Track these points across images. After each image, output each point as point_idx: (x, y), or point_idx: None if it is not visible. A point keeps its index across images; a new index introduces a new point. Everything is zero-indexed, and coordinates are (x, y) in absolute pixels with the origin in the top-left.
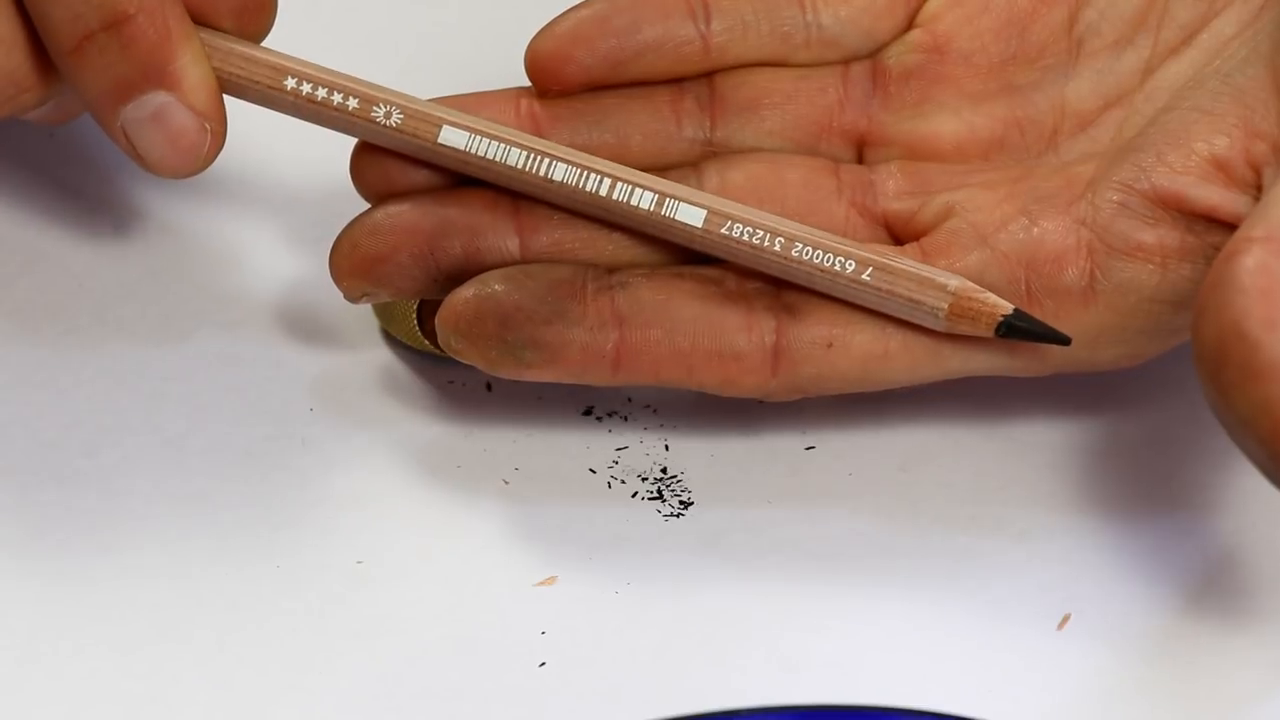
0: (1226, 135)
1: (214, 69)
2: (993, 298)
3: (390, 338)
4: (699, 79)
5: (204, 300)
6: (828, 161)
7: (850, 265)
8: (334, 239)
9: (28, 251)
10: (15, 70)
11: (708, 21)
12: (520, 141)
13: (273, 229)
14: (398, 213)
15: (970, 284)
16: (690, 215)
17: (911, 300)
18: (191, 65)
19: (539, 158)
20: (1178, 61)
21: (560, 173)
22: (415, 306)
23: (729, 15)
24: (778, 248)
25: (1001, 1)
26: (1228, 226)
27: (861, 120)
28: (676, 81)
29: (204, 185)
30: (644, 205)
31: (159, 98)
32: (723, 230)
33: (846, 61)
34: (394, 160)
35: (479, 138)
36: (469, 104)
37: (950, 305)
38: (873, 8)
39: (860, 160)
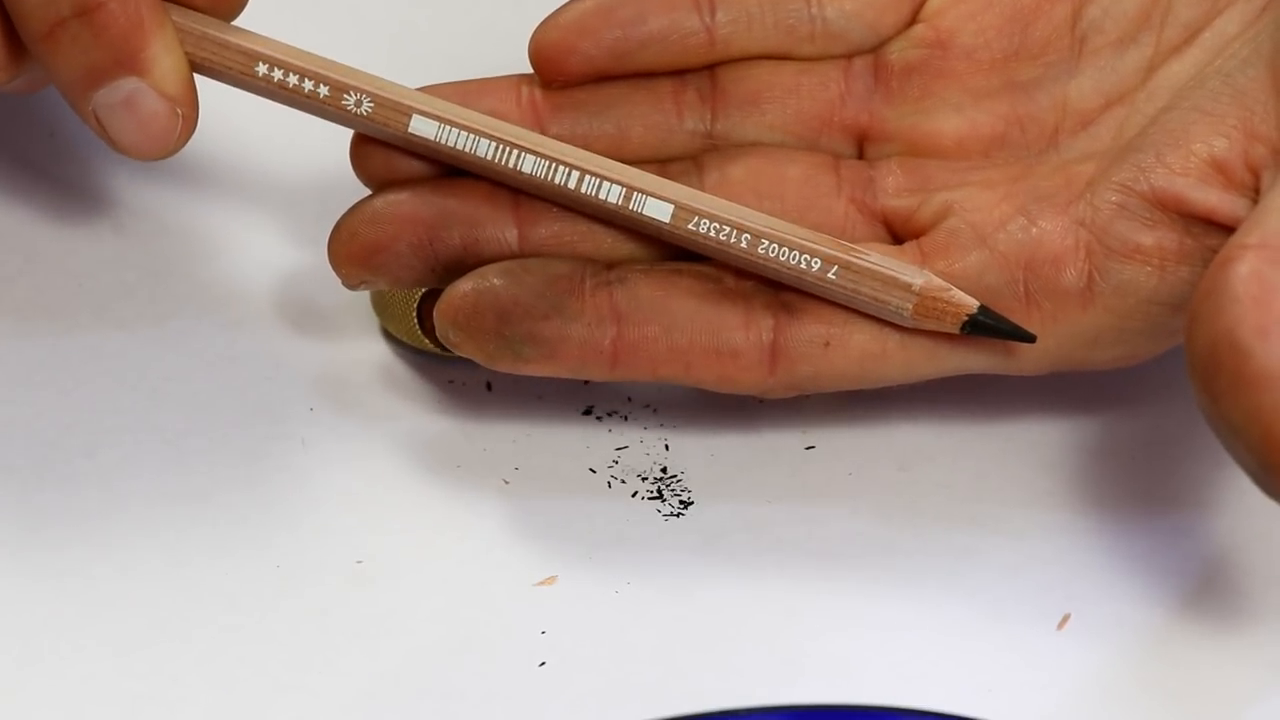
0: (1226, 137)
1: (186, 54)
2: (958, 295)
3: (390, 336)
4: (701, 71)
5: (204, 300)
6: (828, 157)
7: (815, 264)
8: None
9: (28, 251)
10: None
11: (713, 13)
12: (490, 132)
13: (273, 228)
14: (397, 201)
15: (936, 281)
16: (657, 210)
17: (877, 299)
18: (163, 52)
19: (508, 149)
20: (1180, 60)
21: (529, 164)
22: (415, 305)
23: (734, 7)
24: (744, 244)
25: None
26: (1226, 229)
27: (863, 115)
28: (679, 74)
29: (204, 183)
30: (611, 199)
31: (130, 84)
32: (690, 225)
33: (849, 56)
34: (395, 148)
35: (448, 128)
36: (470, 91)
37: (915, 305)
38: (877, 2)
39: (861, 155)
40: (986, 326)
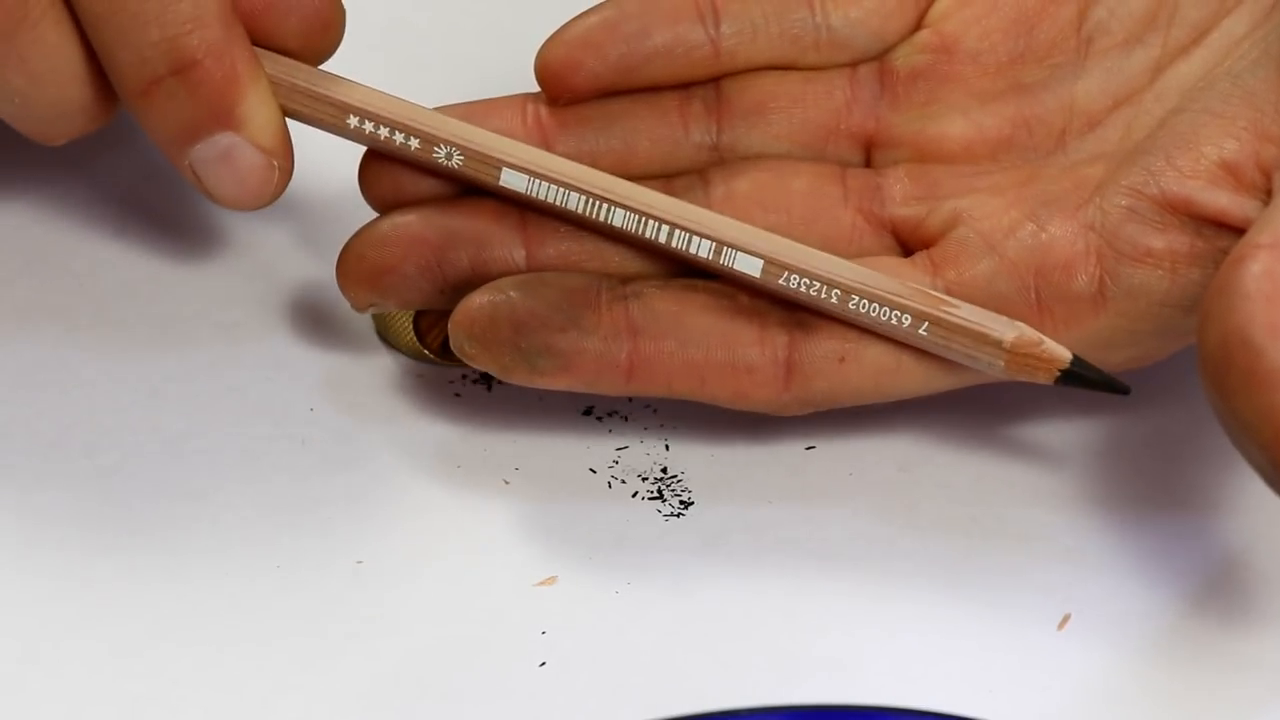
0: (1236, 139)
1: (280, 105)
2: (1050, 348)
3: (389, 345)
4: (706, 84)
5: (204, 300)
6: (834, 167)
7: (906, 319)
8: (337, 241)
9: (28, 251)
10: (86, 104)
11: (717, 25)
12: (579, 185)
13: (273, 229)
14: (405, 223)
15: (1029, 334)
16: (747, 265)
17: (969, 355)
18: (258, 105)
19: (597, 203)
20: (1188, 61)
21: (619, 219)
22: (413, 318)
23: (738, 18)
24: (834, 300)
25: (1010, 0)
26: (1237, 231)
27: (869, 122)
28: (684, 86)
29: None
30: (702, 254)
31: (226, 139)
32: (780, 281)
33: (854, 63)
34: (403, 170)
35: (538, 182)
36: (477, 111)
37: (1006, 361)
38: (882, 8)
39: (868, 162)
40: (1082, 379)
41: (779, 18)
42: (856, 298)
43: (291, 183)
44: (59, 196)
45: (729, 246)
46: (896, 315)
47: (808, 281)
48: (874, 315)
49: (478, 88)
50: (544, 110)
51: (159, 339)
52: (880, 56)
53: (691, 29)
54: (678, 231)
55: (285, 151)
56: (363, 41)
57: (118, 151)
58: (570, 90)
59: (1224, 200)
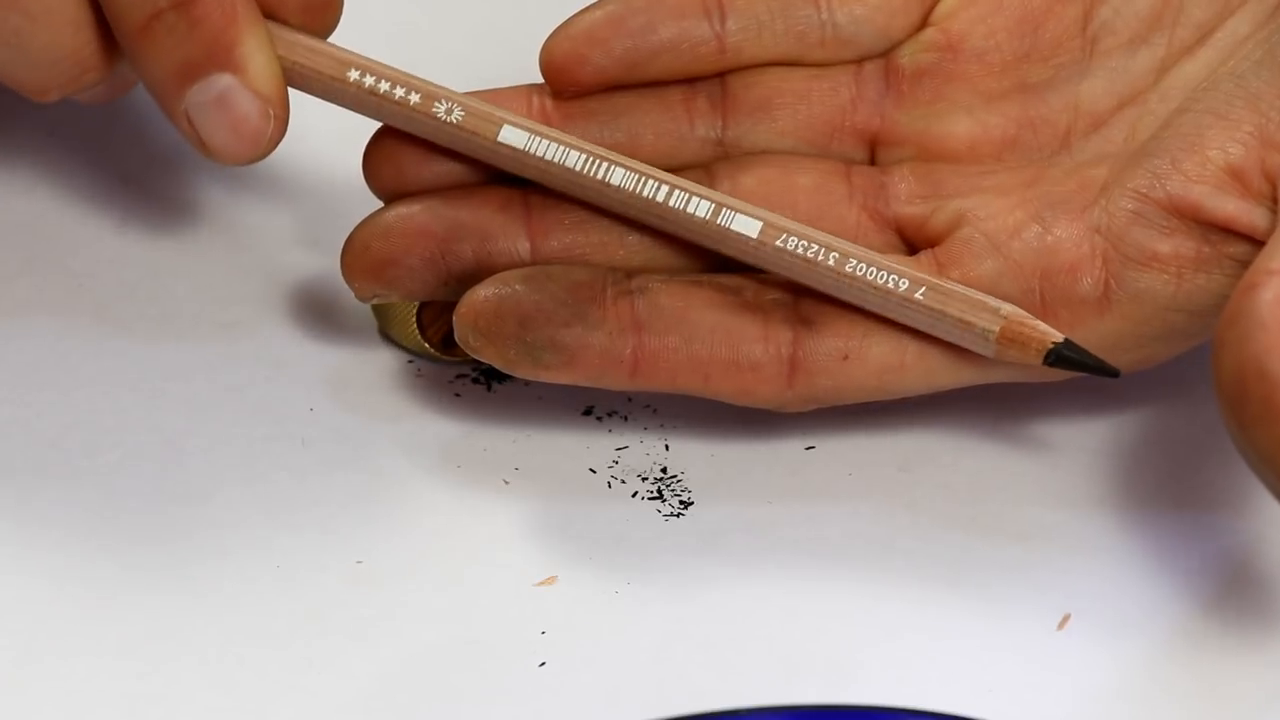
0: (1241, 144)
1: (279, 57)
2: (1043, 326)
3: (390, 340)
4: (712, 79)
5: (204, 300)
6: (839, 164)
7: (904, 284)
8: (337, 238)
9: (28, 251)
10: (81, 49)
11: (723, 21)
12: (579, 145)
13: (273, 229)
14: (409, 214)
15: (1021, 310)
16: (745, 226)
17: (962, 321)
18: (257, 50)
19: (598, 162)
20: (1192, 61)
21: (618, 177)
22: (415, 311)
23: (744, 15)
24: (831, 262)
25: None
26: (1243, 237)
27: (874, 119)
28: (689, 81)
29: (204, 182)
30: (700, 213)
31: (223, 80)
32: (777, 243)
33: (860, 61)
34: (407, 157)
35: (538, 139)
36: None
37: (1001, 329)
38: (888, 6)
39: (873, 160)
40: (1071, 360)
41: (784, 14)
42: (854, 260)
43: (291, 181)
44: (59, 195)
45: (727, 207)
46: (894, 279)
47: (805, 244)
48: (870, 278)
49: (482, 82)
50: (549, 102)
51: (158, 339)
52: (886, 54)
53: (697, 24)
54: (677, 191)
55: (281, 101)
56: (367, 34)
57: (118, 151)
58: (575, 84)
59: (1231, 206)
